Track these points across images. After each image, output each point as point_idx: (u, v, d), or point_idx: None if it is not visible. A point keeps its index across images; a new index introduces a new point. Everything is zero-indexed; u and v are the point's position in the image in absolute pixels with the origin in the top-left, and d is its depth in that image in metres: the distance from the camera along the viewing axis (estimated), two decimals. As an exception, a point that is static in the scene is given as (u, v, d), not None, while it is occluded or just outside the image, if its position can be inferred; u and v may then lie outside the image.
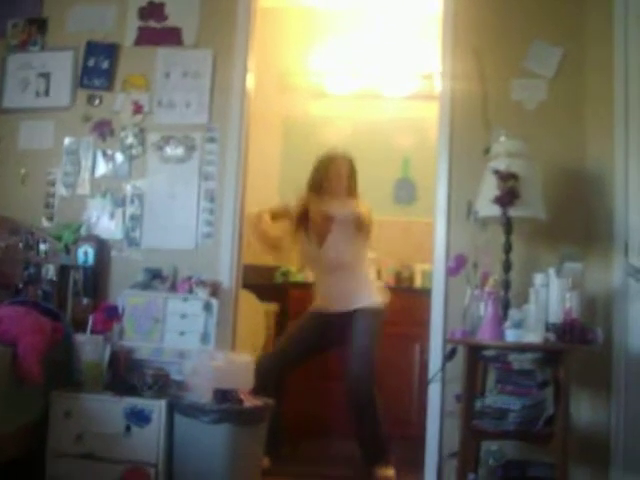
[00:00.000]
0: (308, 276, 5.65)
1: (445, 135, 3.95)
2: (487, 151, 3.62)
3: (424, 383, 3.95)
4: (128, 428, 3.37)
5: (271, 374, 4.24)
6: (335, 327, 4.32)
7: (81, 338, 3.62)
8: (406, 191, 5.94)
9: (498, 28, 3.97)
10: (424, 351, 4.35)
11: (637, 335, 3.53)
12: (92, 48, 4.23)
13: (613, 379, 3.55)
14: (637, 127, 3.61)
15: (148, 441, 3.36)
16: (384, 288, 4.47)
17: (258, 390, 3.74)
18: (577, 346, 3.15)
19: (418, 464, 3.92)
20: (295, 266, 5.78)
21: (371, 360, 4.24)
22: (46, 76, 4.27)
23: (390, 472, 4.28)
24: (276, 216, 4.46)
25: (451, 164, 3.92)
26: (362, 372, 4.22)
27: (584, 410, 3.62)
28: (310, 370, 4.56)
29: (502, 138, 3.53)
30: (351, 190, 4.41)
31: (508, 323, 3.15)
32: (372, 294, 4.39)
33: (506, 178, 3.31)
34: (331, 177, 4.38)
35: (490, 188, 3.39)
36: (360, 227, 4.27)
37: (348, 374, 4.26)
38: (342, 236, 4.27)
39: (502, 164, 3.38)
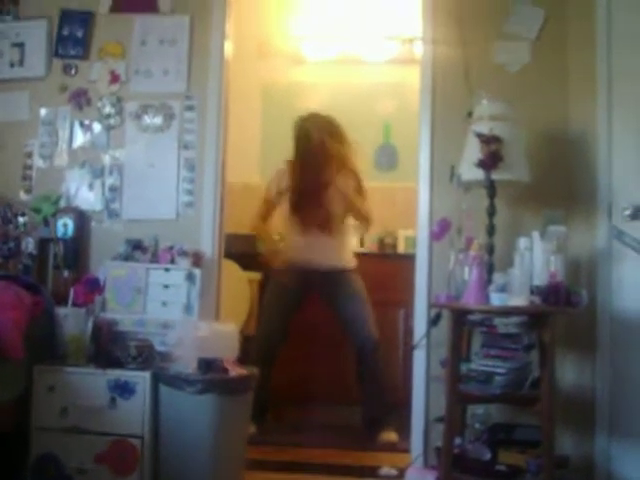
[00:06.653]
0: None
1: (427, 100, 3.91)
2: (470, 114, 3.59)
3: (409, 349, 3.95)
4: (113, 400, 3.34)
5: (270, 353, 4.41)
6: (315, 284, 4.43)
7: (63, 311, 3.58)
8: (388, 157, 5.93)
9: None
10: (409, 317, 4.35)
11: (621, 297, 3.53)
12: (66, 16, 4.13)
13: (598, 341, 3.55)
14: (620, 89, 3.57)
15: (133, 413, 3.34)
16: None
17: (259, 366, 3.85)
18: (562, 309, 3.15)
19: (405, 429, 3.93)
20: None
21: (371, 314, 4.36)
22: (20, 46, 4.16)
23: (393, 436, 4.34)
24: (266, 215, 4.59)
25: (433, 128, 3.89)
26: (368, 326, 4.36)
27: (569, 372, 3.63)
28: (294, 337, 4.57)
29: (484, 101, 3.49)
30: (338, 157, 4.45)
31: (493, 287, 3.13)
32: (351, 255, 4.54)
33: (489, 141, 3.28)
34: (304, 155, 4.46)
35: (473, 151, 3.36)
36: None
37: (356, 331, 4.41)
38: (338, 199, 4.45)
39: (485, 127, 3.35)
